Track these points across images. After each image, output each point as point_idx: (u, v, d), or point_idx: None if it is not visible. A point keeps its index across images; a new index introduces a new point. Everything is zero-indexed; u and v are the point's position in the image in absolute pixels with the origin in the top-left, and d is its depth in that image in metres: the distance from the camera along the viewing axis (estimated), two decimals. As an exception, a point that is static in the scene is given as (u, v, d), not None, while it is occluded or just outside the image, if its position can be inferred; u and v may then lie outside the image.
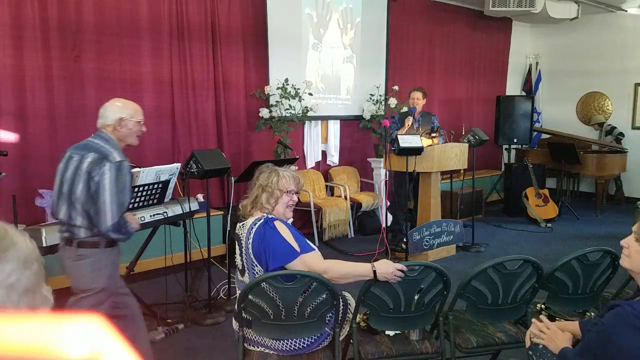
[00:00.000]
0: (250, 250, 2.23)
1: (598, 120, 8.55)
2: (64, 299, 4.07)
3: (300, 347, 2.25)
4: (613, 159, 7.52)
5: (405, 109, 6.11)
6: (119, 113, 2.61)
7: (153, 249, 3.92)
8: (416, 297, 2.29)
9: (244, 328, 2.27)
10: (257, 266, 2.23)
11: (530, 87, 9.29)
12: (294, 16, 6.03)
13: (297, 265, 2.16)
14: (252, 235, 2.23)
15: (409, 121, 5.50)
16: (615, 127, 8.32)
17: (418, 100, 5.64)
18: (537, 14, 7.53)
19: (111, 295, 2.62)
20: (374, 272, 2.17)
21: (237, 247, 2.36)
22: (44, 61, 4.33)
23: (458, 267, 4.81)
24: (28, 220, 4.07)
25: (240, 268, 2.35)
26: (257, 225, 2.24)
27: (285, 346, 2.24)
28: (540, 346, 2.05)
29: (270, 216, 2.29)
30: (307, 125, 6.31)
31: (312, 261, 2.18)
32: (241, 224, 2.35)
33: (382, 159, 6.05)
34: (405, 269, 2.18)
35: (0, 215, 4.14)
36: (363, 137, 6.94)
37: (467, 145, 5.55)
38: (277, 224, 2.24)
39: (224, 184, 5.28)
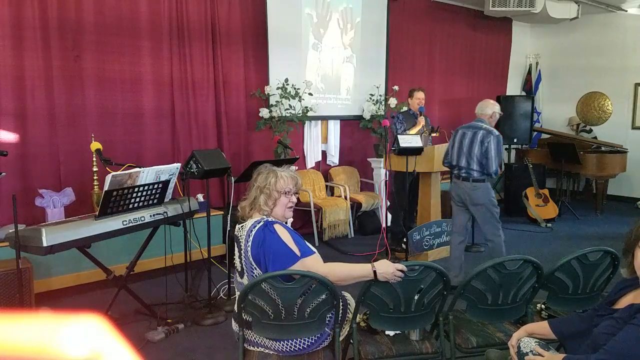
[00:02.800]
0: (250, 254, 2.22)
1: (575, 121, 8.66)
2: (64, 299, 4.09)
3: (301, 347, 2.25)
4: (613, 159, 7.52)
5: (405, 108, 6.11)
6: (493, 109, 4.36)
7: (153, 249, 3.92)
8: (416, 297, 2.29)
9: (244, 329, 2.27)
10: (256, 269, 2.22)
11: (530, 87, 9.29)
12: (294, 16, 6.03)
13: (298, 269, 2.16)
14: (251, 238, 2.22)
15: (422, 120, 5.50)
16: (592, 129, 8.44)
17: (423, 100, 5.66)
18: (537, 14, 7.53)
19: (492, 205, 4.23)
20: (374, 272, 2.17)
21: (235, 248, 2.36)
22: (44, 61, 4.33)
23: (458, 267, 4.81)
24: (28, 220, 4.07)
25: (240, 270, 2.34)
26: (256, 228, 2.23)
27: (286, 346, 2.24)
28: (524, 352, 2.02)
29: (270, 219, 2.29)
30: (307, 125, 6.31)
31: (312, 265, 2.18)
32: (240, 225, 2.35)
33: (382, 159, 6.05)
34: (405, 269, 2.18)
35: (0, 215, 4.15)
36: (363, 137, 6.94)
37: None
38: (277, 227, 2.24)
39: (224, 184, 5.28)
